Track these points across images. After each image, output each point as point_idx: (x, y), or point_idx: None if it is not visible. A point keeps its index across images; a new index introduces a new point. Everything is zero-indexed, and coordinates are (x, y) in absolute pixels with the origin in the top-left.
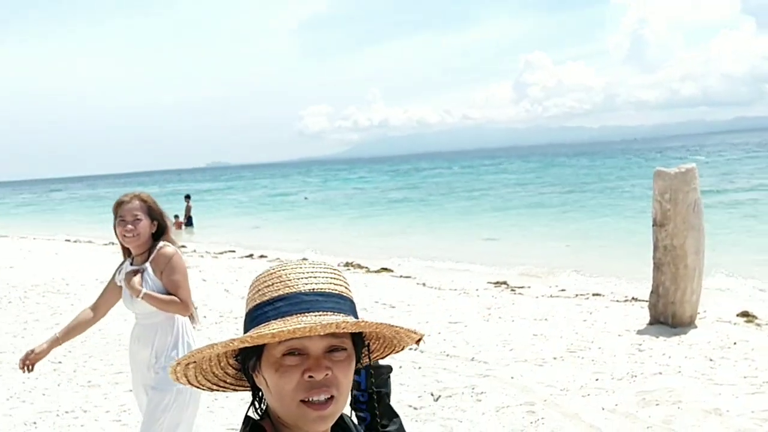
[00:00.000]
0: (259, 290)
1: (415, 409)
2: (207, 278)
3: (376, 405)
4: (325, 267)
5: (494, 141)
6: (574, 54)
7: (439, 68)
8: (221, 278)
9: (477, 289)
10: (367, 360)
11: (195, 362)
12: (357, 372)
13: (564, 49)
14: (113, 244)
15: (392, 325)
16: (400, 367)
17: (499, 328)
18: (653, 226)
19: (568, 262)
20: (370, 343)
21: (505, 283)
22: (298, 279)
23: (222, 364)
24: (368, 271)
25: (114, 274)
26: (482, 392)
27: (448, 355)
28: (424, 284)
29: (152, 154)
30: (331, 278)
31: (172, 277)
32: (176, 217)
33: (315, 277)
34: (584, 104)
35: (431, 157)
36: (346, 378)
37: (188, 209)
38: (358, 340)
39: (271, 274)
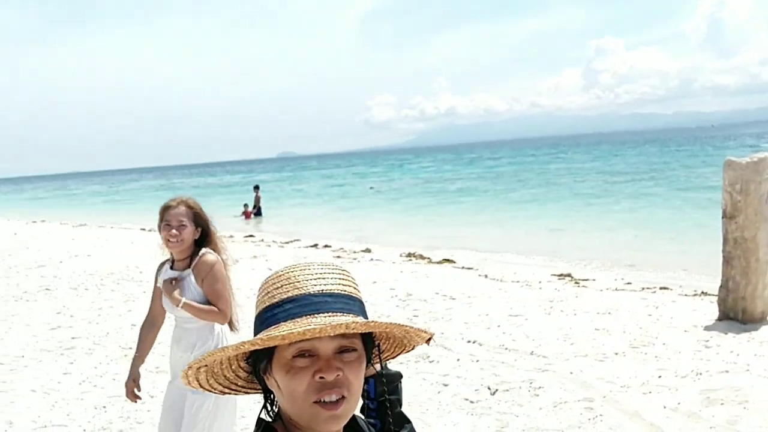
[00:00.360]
0: (269, 292)
1: (472, 402)
2: (272, 267)
3: (389, 412)
4: (333, 267)
5: (563, 129)
6: (647, 39)
7: (506, 56)
8: None
9: (540, 281)
10: (378, 360)
11: (206, 366)
12: (365, 380)
13: (636, 34)
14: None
15: (402, 325)
16: (458, 359)
17: (560, 321)
18: (723, 218)
19: (636, 254)
20: (381, 343)
21: (569, 275)
22: (307, 280)
23: (233, 367)
24: (430, 261)
25: (156, 277)
26: (540, 387)
27: (506, 349)
28: (485, 276)
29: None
30: (340, 279)
31: (214, 287)
32: (245, 206)
33: (324, 278)
34: (658, 90)
35: (498, 145)
36: (357, 378)
37: (257, 199)
38: (369, 340)
39: (280, 276)
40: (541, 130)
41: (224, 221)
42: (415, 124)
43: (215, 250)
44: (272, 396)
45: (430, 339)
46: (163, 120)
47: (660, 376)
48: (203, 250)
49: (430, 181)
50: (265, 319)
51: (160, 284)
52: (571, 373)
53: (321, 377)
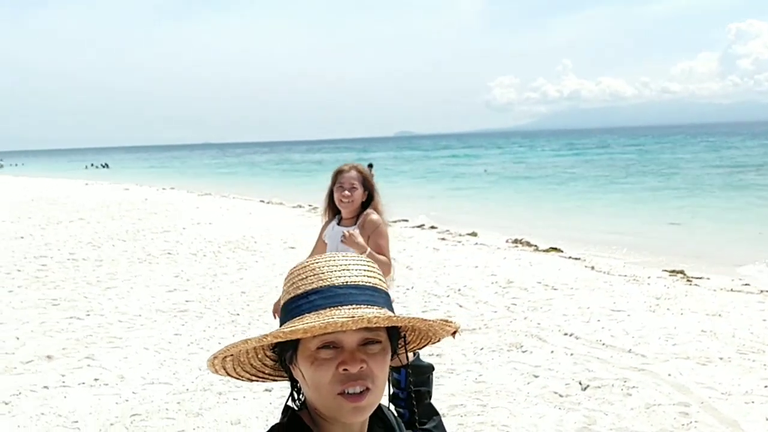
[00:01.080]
0: (294, 283)
1: (560, 396)
2: None
3: (414, 403)
4: (358, 259)
5: (696, 117)
6: None
7: (635, 38)
8: (391, 246)
9: (649, 277)
10: (404, 351)
11: (232, 355)
12: (397, 370)
13: None
14: (300, 207)
15: (425, 319)
16: (552, 351)
17: (664, 320)
18: None
19: (759, 252)
20: (406, 335)
21: (681, 272)
22: (332, 272)
23: (260, 356)
24: (536, 249)
25: (321, 232)
26: (634, 386)
27: (604, 344)
28: (592, 267)
29: (343, 123)
30: (365, 271)
31: (378, 242)
32: None
33: (348, 270)
34: None
35: (624, 132)
36: (381, 371)
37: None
38: (394, 332)
39: (305, 267)
40: (671, 117)
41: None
42: (537, 107)
43: (377, 211)
44: (298, 384)
45: (455, 332)
46: (282, 96)
47: (766, 386)
48: (368, 210)
49: (548, 166)
50: (290, 309)
51: (325, 238)
52: (669, 375)
53: (345, 369)
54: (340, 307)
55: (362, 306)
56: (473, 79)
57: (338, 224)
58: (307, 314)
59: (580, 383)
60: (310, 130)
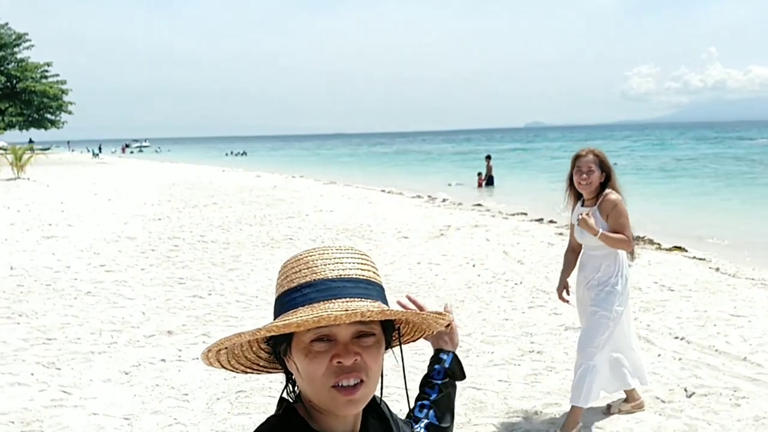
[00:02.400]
0: (287, 276)
1: (663, 402)
2: (490, 238)
3: (447, 386)
4: (352, 252)
5: None
6: None
7: None
8: (504, 240)
9: None
10: (398, 343)
11: (226, 348)
12: (446, 352)
13: None
14: (419, 197)
15: (419, 313)
16: (659, 355)
17: None
18: None
19: None
20: (401, 327)
21: None
22: (326, 265)
23: (254, 349)
24: (659, 248)
25: (570, 216)
26: (744, 397)
27: (717, 351)
28: (717, 269)
29: (470, 114)
30: (359, 263)
31: (619, 220)
32: (479, 174)
33: (342, 263)
34: None
35: None
36: (375, 363)
37: (489, 169)
38: (388, 325)
39: (299, 260)
40: None
41: (455, 189)
42: (677, 98)
43: (616, 191)
44: (292, 377)
45: (449, 324)
46: (410, 86)
47: None
48: (607, 190)
49: (683, 159)
50: (284, 303)
51: (573, 221)
52: None
53: (339, 362)
54: (333, 301)
55: (356, 299)
56: (609, 69)
57: (582, 206)
58: (300, 307)
59: (685, 390)
60: (437, 121)
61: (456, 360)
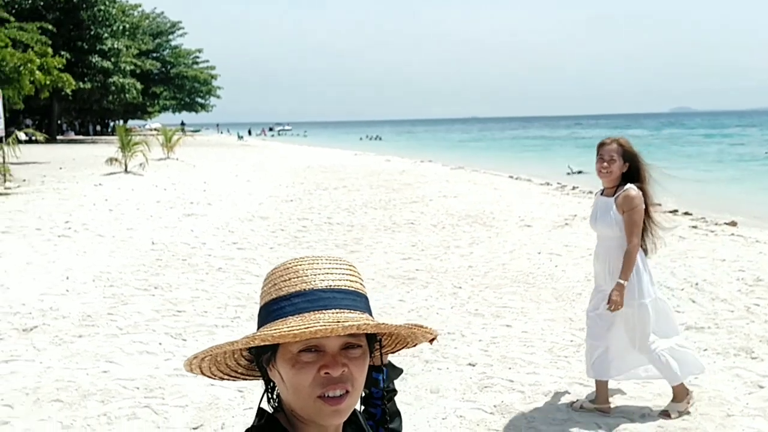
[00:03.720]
0: (275, 284)
1: None
2: None
3: (387, 403)
4: (340, 263)
5: None
6: None
7: None
8: None
9: None
10: (379, 355)
11: (211, 355)
12: (378, 370)
13: None
14: (548, 184)
15: (410, 327)
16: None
17: None
18: None
19: None
20: (382, 339)
21: None
22: (315, 275)
23: (236, 356)
24: None
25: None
26: None
27: None
28: None
29: (610, 97)
30: (348, 275)
31: (633, 217)
32: None
33: (331, 274)
34: None
35: None
36: (361, 374)
37: None
38: (372, 336)
39: (287, 268)
40: None
41: (580, 178)
42: None
43: (642, 184)
44: (272, 385)
45: (434, 339)
46: (545, 70)
47: None
48: (628, 185)
49: None
50: (272, 311)
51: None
52: None
53: (327, 372)
54: (324, 311)
55: (345, 310)
56: (758, 53)
57: (602, 195)
58: (290, 317)
59: None
60: (573, 105)
61: (390, 371)
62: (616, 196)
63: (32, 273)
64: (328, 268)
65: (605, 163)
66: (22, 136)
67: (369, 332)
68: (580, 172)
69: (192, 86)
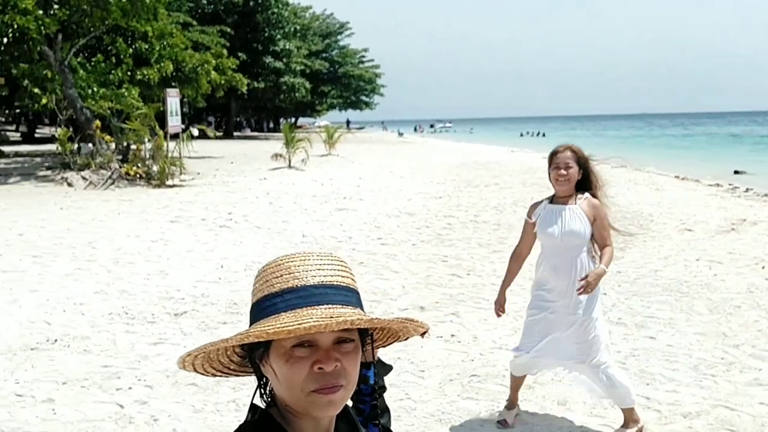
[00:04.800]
0: (267, 281)
1: None
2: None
3: (377, 398)
4: (332, 259)
5: None
6: None
7: None
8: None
9: None
10: (370, 349)
11: (204, 353)
12: (367, 366)
13: None
14: (718, 185)
15: (402, 321)
16: None
17: None
18: None
19: None
20: (373, 333)
21: None
22: (307, 271)
23: (228, 353)
24: None
25: (529, 213)
26: None
27: None
28: None
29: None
30: (339, 270)
31: (605, 222)
32: None
33: (323, 270)
34: None
35: None
36: (354, 368)
37: None
38: (364, 330)
39: (279, 265)
40: None
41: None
42: None
43: (595, 192)
44: (264, 381)
45: (425, 332)
46: (715, 65)
47: None
48: (587, 194)
49: None
50: (265, 307)
51: (533, 219)
52: None
53: (320, 368)
54: (316, 307)
55: (338, 306)
56: None
57: (550, 203)
58: (283, 313)
59: None
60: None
61: (379, 368)
62: (577, 203)
63: (191, 261)
64: (320, 264)
65: (563, 171)
66: (195, 132)
67: (364, 327)
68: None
69: (357, 85)
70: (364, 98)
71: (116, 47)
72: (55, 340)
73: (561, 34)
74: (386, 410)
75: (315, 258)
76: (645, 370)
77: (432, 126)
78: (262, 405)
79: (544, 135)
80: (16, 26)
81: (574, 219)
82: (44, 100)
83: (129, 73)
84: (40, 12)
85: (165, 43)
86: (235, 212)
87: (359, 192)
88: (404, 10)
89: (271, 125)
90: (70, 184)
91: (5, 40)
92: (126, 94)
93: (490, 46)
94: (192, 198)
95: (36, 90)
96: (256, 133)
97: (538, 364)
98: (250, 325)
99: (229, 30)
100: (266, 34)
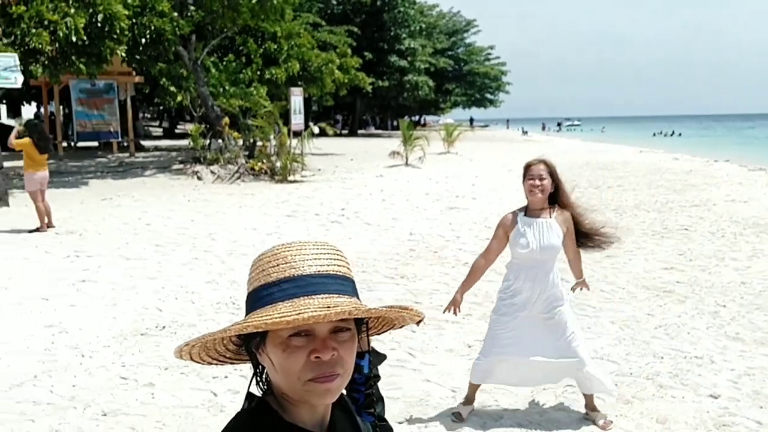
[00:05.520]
0: (264, 270)
1: None
2: None
3: (371, 387)
4: (328, 248)
5: None
6: None
7: None
8: None
9: None
10: (367, 336)
11: (202, 343)
12: (361, 356)
13: None
14: None
15: (400, 310)
16: None
17: None
18: None
19: None
20: (369, 322)
21: None
22: (303, 260)
23: (224, 342)
24: None
25: (503, 222)
26: None
27: None
28: None
29: None
30: (335, 260)
31: (572, 230)
32: None
33: (319, 259)
34: None
35: None
36: (350, 357)
37: None
38: (359, 319)
39: (275, 254)
40: None
41: None
42: None
43: (567, 205)
44: (259, 369)
45: (420, 320)
46: None
47: None
48: (557, 206)
49: None
50: (262, 296)
51: (510, 231)
52: None
53: (317, 357)
54: (313, 296)
55: (334, 295)
56: None
57: (525, 215)
58: (280, 302)
59: None
60: None
61: (373, 357)
62: (552, 216)
63: None
64: (316, 254)
65: (538, 182)
66: (315, 129)
67: (361, 316)
68: None
69: (482, 82)
70: (488, 96)
71: (247, 47)
72: (164, 327)
73: (710, 28)
74: (380, 399)
75: (311, 247)
76: (760, 391)
77: (559, 124)
78: (259, 393)
79: (679, 135)
80: (153, 28)
81: (551, 232)
82: (179, 98)
83: (258, 72)
84: (175, 14)
85: (293, 42)
86: (348, 208)
87: (473, 191)
88: (533, 4)
89: (395, 123)
90: (199, 178)
91: (143, 41)
92: (254, 92)
93: (631, 40)
94: (310, 193)
95: (172, 88)
96: (379, 131)
97: (502, 370)
98: (246, 314)
99: (356, 30)
100: (392, 33)
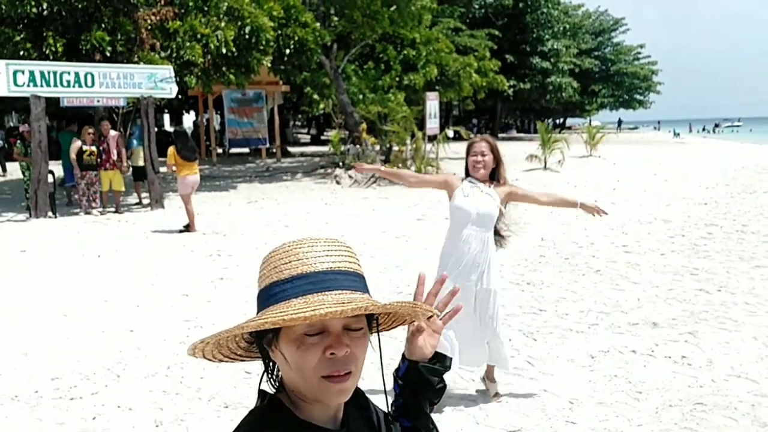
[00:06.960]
0: (276, 267)
1: None
2: None
3: (410, 399)
4: (339, 245)
5: None
6: None
7: None
8: None
9: None
10: (377, 331)
11: (218, 339)
12: (402, 360)
13: None
14: None
15: (412, 305)
16: None
17: None
18: None
19: None
20: (378, 317)
21: None
22: (315, 257)
23: (237, 339)
24: None
25: (449, 175)
26: None
27: None
28: None
29: None
30: (346, 256)
31: (527, 194)
32: None
33: (330, 256)
34: None
35: None
36: (363, 353)
37: None
38: (369, 316)
39: (287, 251)
40: None
41: None
42: None
43: (503, 181)
44: (271, 366)
45: (431, 316)
46: None
47: None
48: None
49: None
50: (274, 293)
51: (460, 188)
52: None
53: (332, 353)
54: (326, 293)
55: (347, 291)
56: None
57: (469, 181)
58: (294, 299)
59: None
60: None
61: (413, 370)
62: (495, 186)
63: (428, 258)
64: (328, 250)
65: (479, 157)
66: (450, 133)
67: (376, 313)
68: None
69: (631, 83)
70: (637, 97)
71: (386, 54)
72: None
73: None
74: (419, 415)
75: (323, 244)
76: None
77: (717, 125)
78: (271, 390)
79: None
80: (296, 38)
81: (488, 200)
82: (322, 105)
83: (397, 78)
84: (318, 24)
85: (431, 48)
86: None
87: (613, 195)
88: (685, 4)
89: (537, 126)
90: (338, 182)
91: (287, 51)
92: (392, 98)
93: None
94: (441, 197)
95: (315, 96)
96: (521, 135)
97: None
98: (258, 311)
99: (497, 33)
100: (534, 35)
